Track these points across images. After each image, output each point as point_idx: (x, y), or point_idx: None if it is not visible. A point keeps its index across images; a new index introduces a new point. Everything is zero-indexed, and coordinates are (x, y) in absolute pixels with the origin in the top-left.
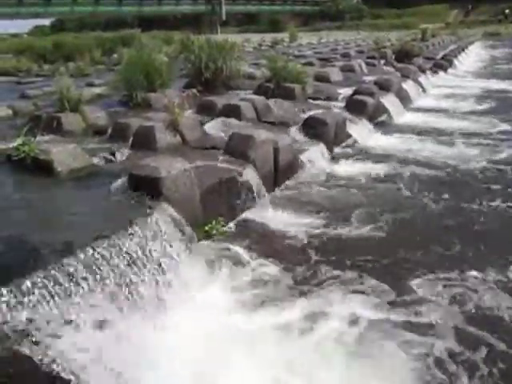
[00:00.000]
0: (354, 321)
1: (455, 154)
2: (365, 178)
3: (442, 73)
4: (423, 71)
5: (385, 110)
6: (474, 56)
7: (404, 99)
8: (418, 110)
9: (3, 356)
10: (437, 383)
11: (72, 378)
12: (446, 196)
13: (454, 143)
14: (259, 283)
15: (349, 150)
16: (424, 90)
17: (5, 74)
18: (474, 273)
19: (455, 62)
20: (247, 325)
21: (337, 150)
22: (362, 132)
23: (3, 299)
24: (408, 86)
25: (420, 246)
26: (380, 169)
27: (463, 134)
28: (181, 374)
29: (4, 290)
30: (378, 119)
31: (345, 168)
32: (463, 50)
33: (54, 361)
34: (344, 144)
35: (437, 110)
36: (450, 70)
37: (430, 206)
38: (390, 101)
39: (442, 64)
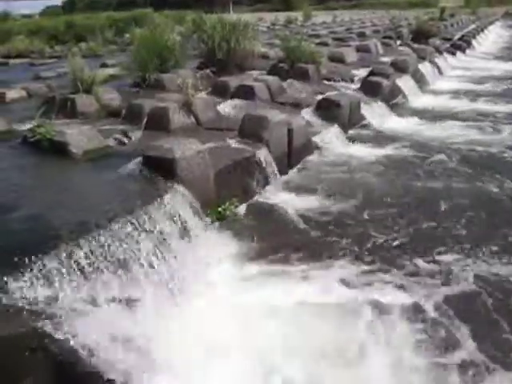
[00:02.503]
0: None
1: (472, 137)
2: (379, 161)
3: (459, 54)
4: (440, 52)
5: (400, 92)
6: (493, 37)
7: (420, 81)
8: (435, 92)
9: (24, 332)
10: None
11: (92, 354)
12: (461, 179)
13: (470, 126)
14: (269, 262)
15: (363, 133)
16: (441, 72)
17: (17, 56)
18: None
19: (474, 42)
20: (253, 297)
21: (351, 132)
22: (376, 114)
23: (23, 278)
24: (424, 67)
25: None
26: (394, 151)
27: (480, 116)
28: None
29: (24, 269)
30: (394, 101)
31: (359, 150)
32: (482, 30)
33: (73, 337)
34: (358, 126)
35: (454, 92)
36: (468, 52)
37: (444, 190)
38: (405, 82)
39: (460, 45)
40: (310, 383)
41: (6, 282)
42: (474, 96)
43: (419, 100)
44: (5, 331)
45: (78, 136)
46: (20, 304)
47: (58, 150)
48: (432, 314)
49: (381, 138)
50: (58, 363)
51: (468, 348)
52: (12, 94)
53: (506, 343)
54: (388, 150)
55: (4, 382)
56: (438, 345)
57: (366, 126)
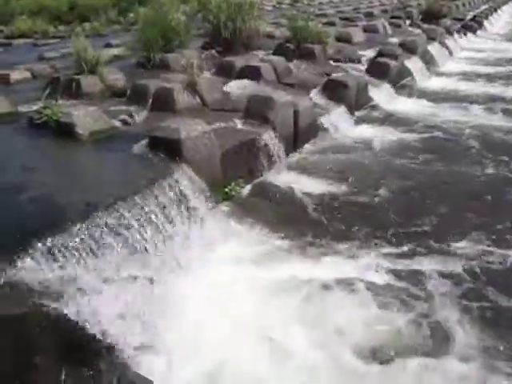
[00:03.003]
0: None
1: (481, 121)
2: (385, 142)
3: (470, 35)
4: (451, 33)
5: (409, 74)
6: (506, 17)
7: (429, 62)
8: (444, 74)
9: (37, 310)
10: None
11: (102, 331)
12: (468, 163)
13: (479, 110)
14: (273, 242)
15: (370, 114)
16: (451, 53)
17: (20, 36)
18: None
19: (486, 23)
20: (257, 273)
21: (358, 113)
22: (383, 96)
23: (32, 257)
24: (434, 48)
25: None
26: (401, 133)
27: (491, 100)
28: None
29: (32, 248)
30: (401, 83)
31: (365, 132)
32: (495, 10)
33: (82, 315)
34: (365, 107)
35: (463, 74)
36: (479, 33)
37: (448, 173)
38: (414, 64)
39: (472, 26)
40: None
41: (15, 261)
42: (484, 78)
43: (428, 82)
44: (15, 310)
45: (84, 117)
46: (29, 283)
47: (64, 131)
48: None
49: (388, 120)
50: (68, 341)
51: None
52: (16, 75)
53: None
54: (395, 132)
55: (15, 360)
56: None
57: (373, 108)
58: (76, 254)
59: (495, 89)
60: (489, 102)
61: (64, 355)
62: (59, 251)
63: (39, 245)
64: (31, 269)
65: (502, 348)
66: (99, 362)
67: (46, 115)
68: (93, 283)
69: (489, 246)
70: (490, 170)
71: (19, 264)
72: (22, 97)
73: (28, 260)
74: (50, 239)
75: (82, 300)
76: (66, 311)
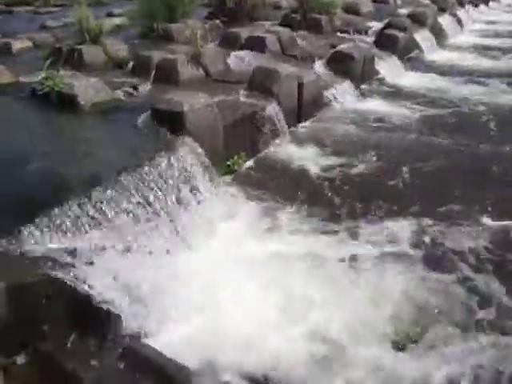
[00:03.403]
0: None
1: (491, 96)
2: (391, 116)
3: (483, 7)
4: (462, 4)
5: (417, 46)
6: None
7: (439, 35)
8: (454, 47)
9: (40, 280)
10: None
11: (104, 300)
12: (473, 138)
13: (489, 85)
14: (275, 216)
15: (376, 88)
16: (462, 26)
17: (20, 4)
18: None
19: None
20: (259, 248)
21: (364, 86)
22: (391, 69)
23: (38, 227)
24: (444, 20)
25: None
26: (407, 107)
27: (502, 75)
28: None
29: (38, 218)
30: (409, 55)
31: (371, 105)
32: None
33: (88, 284)
34: (372, 81)
35: (475, 47)
36: (491, 4)
37: (453, 148)
38: (423, 36)
39: None
40: None
41: (22, 232)
42: (496, 52)
43: (437, 55)
44: (22, 279)
45: (86, 88)
46: (35, 253)
47: (66, 102)
48: None
49: (394, 94)
50: (75, 310)
51: None
52: (18, 44)
53: None
54: (401, 106)
55: (24, 328)
56: None
57: (379, 81)
58: (80, 224)
59: (507, 63)
60: (500, 76)
61: (71, 324)
62: (63, 222)
63: (44, 216)
64: (36, 239)
65: None
66: (105, 331)
67: (47, 86)
68: (97, 253)
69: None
70: (496, 145)
71: (24, 234)
72: (24, 67)
73: (33, 230)
74: (54, 210)
75: (87, 270)
76: (71, 280)
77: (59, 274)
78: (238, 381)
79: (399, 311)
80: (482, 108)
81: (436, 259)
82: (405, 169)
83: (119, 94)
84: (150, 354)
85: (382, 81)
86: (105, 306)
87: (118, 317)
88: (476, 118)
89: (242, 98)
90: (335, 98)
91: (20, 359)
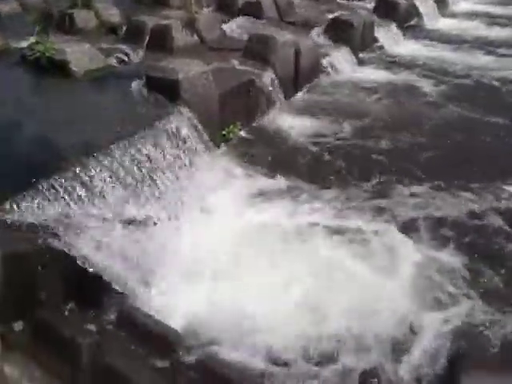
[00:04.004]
0: None
1: (490, 66)
2: (388, 86)
3: None
4: None
5: (418, 14)
6: None
7: (440, 2)
8: (455, 14)
9: (35, 249)
10: None
11: (98, 267)
12: (471, 109)
13: (490, 54)
14: (272, 184)
15: (374, 56)
16: None
17: None
18: None
19: None
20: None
21: (362, 54)
22: (390, 37)
23: (34, 196)
24: None
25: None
26: (405, 77)
27: (503, 44)
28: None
29: (34, 188)
30: (410, 23)
31: (369, 74)
32: None
33: (83, 253)
34: (370, 49)
35: (476, 15)
36: None
37: (451, 118)
38: (424, 3)
39: None
40: None
41: (17, 201)
42: (498, 20)
43: (438, 23)
44: (18, 248)
45: (78, 54)
46: (31, 222)
47: (58, 68)
48: None
49: (393, 63)
50: (70, 277)
51: None
52: (6, 7)
53: None
54: (399, 75)
55: (21, 296)
56: None
57: (378, 49)
58: (74, 193)
59: (510, 31)
60: (502, 45)
61: (67, 292)
62: (57, 191)
63: (38, 184)
64: (30, 208)
65: None
66: (100, 298)
67: (38, 51)
68: (92, 222)
69: None
70: (493, 116)
71: (18, 203)
72: (13, 31)
73: (29, 199)
74: (47, 178)
75: (81, 238)
76: (66, 249)
77: (53, 243)
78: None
79: None
80: (480, 77)
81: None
82: (401, 137)
83: (112, 60)
84: (146, 320)
85: (381, 49)
86: (100, 274)
87: (113, 285)
88: (478, 88)
89: (238, 66)
90: (333, 66)
91: (17, 326)
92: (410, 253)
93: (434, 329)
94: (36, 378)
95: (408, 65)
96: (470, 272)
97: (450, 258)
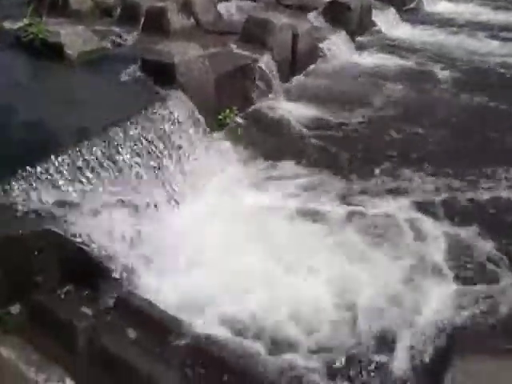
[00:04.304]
0: None
1: (492, 49)
2: (386, 70)
3: None
4: None
5: None
6: None
7: None
8: None
9: (32, 232)
10: None
11: (97, 250)
12: (471, 96)
13: (493, 37)
14: (269, 169)
15: (372, 40)
16: None
17: None
18: None
19: None
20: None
21: (359, 38)
22: (388, 20)
23: (29, 181)
24: None
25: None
26: (403, 61)
27: (506, 28)
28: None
29: (29, 172)
30: (408, 6)
31: (366, 59)
32: None
33: (79, 236)
34: (368, 33)
35: None
36: None
37: (453, 103)
38: None
39: None
40: None
41: (12, 184)
42: (501, 4)
43: (438, 6)
44: (14, 232)
45: (72, 37)
46: (26, 205)
47: (52, 51)
48: None
49: (391, 47)
50: (67, 261)
51: None
52: None
53: None
54: (397, 60)
55: (17, 279)
56: None
57: (376, 33)
58: (69, 177)
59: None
60: (504, 29)
61: (64, 275)
62: (52, 175)
63: (32, 168)
64: (26, 192)
65: None
66: (97, 282)
67: (31, 33)
68: (87, 206)
69: None
70: (490, 101)
71: (14, 187)
72: (4, 12)
73: (23, 182)
74: (42, 162)
75: (78, 222)
76: (63, 233)
77: (50, 227)
78: (226, 330)
79: None
80: (481, 64)
81: None
82: (400, 125)
83: (107, 43)
84: (142, 304)
85: (379, 33)
86: (96, 258)
87: (110, 268)
88: (478, 73)
89: (235, 50)
90: (330, 50)
91: (14, 309)
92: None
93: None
94: (33, 361)
95: (407, 49)
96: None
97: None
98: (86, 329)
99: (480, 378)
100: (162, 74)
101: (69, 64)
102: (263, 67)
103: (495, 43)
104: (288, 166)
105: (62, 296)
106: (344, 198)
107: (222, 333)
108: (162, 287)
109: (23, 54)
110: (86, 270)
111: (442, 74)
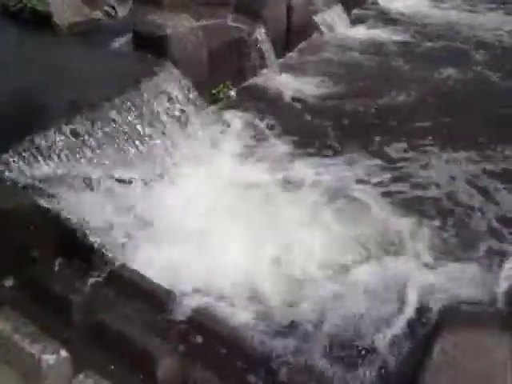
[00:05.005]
0: None
1: (496, 24)
2: (383, 44)
3: None
4: None
5: None
6: None
7: None
8: None
9: (27, 207)
10: None
11: (90, 227)
12: (469, 69)
13: (497, 9)
14: (260, 145)
15: (369, 13)
16: None
17: None
18: None
19: None
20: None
21: (355, 11)
22: None
23: (21, 155)
24: None
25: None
26: (400, 35)
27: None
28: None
29: (21, 146)
30: None
31: (362, 32)
32: None
33: (73, 212)
34: (364, 5)
35: None
36: None
37: (451, 78)
38: None
39: None
40: None
41: (4, 159)
42: None
43: None
44: (7, 205)
45: (62, 6)
46: (19, 180)
47: (41, 21)
48: None
49: (388, 20)
50: (61, 237)
51: None
52: None
53: None
54: (394, 34)
55: (10, 253)
56: None
57: (372, 6)
58: (62, 153)
59: None
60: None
61: (58, 251)
62: (44, 149)
63: (26, 143)
64: (19, 167)
65: None
66: (90, 255)
67: (20, 2)
68: (80, 182)
69: None
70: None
71: (8, 161)
72: None
73: (15, 157)
74: (36, 137)
75: (72, 198)
76: (57, 207)
77: (42, 201)
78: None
79: None
80: (487, 39)
81: None
82: (397, 98)
83: (98, 14)
84: (136, 278)
85: (375, 5)
86: (90, 234)
87: (104, 244)
88: (479, 47)
89: (228, 22)
90: (325, 23)
91: (8, 282)
92: None
93: None
94: (28, 333)
95: (402, 22)
96: None
97: None
98: (81, 303)
99: (469, 350)
100: (154, 47)
101: (58, 35)
102: (258, 41)
103: (499, 17)
104: (282, 141)
105: (56, 270)
106: (330, 173)
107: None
108: (154, 260)
109: (11, 24)
110: (79, 244)
111: (441, 47)
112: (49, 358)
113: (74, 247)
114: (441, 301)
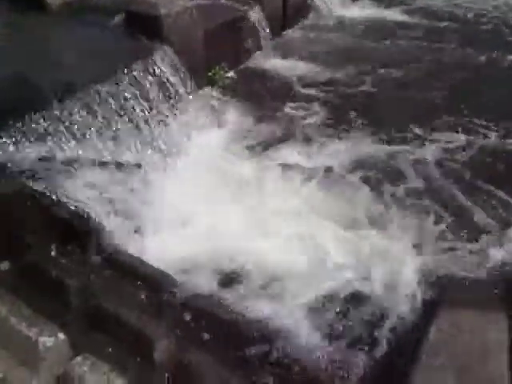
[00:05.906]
0: None
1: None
2: (381, 24)
3: None
4: None
5: None
6: None
7: None
8: None
9: (22, 191)
10: None
11: (84, 211)
12: (472, 47)
13: None
14: (258, 127)
15: None
16: None
17: None
18: None
19: None
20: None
21: None
22: None
23: (14, 137)
24: None
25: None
26: (400, 14)
27: None
28: None
29: (15, 128)
30: None
31: (360, 12)
32: None
33: (67, 197)
34: None
35: None
36: None
37: (452, 58)
38: None
39: None
40: None
41: None
42: None
43: None
44: (1, 190)
45: None
46: (13, 164)
47: (32, 0)
48: None
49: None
50: (56, 221)
51: None
52: None
53: None
54: (394, 13)
55: (5, 237)
56: None
57: None
58: (56, 134)
59: None
60: None
61: (54, 235)
62: (39, 132)
63: (18, 124)
64: (13, 149)
65: None
66: (87, 240)
67: None
68: (77, 164)
69: None
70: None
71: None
72: None
73: (9, 140)
74: (30, 118)
75: (65, 181)
76: (50, 192)
77: (38, 186)
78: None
79: None
80: (494, 20)
81: None
82: (397, 77)
83: None
84: (133, 262)
85: None
86: (85, 217)
87: (99, 227)
88: (481, 24)
89: (223, 2)
90: (322, 3)
91: (3, 266)
92: None
93: None
94: (25, 316)
95: (402, 1)
96: None
97: None
98: (78, 287)
99: (465, 329)
100: (148, 27)
101: (51, 15)
102: (254, 21)
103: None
104: (279, 124)
105: (53, 254)
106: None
107: None
108: (149, 244)
109: (0, 3)
110: (75, 229)
111: (444, 27)
112: (46, 341)
113: (70, 231)
114: (437, 280)
